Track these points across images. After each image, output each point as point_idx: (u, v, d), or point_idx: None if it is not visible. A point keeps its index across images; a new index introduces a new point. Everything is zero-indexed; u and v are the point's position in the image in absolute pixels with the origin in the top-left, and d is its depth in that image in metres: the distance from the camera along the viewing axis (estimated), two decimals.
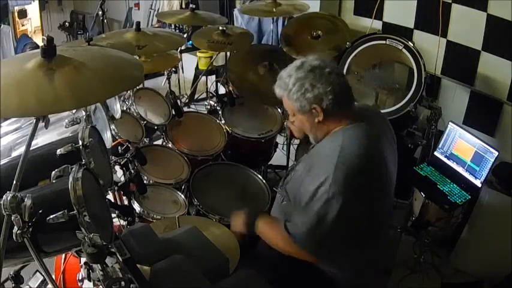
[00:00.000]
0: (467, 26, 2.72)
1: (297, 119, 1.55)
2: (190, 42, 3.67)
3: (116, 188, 1.87)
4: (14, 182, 1.07)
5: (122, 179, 1.94)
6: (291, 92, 1.48)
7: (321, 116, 1.48)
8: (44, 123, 1.13)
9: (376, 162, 1.48)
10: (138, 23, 2.36)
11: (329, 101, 1.44)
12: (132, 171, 1.90)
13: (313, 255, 1.52)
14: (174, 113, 2.60)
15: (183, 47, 3.81)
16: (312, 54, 1.53)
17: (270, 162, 2.94)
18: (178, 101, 2.97)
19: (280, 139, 3.06)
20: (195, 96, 4.31)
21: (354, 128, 1.49)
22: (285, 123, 2.66)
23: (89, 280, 1.20)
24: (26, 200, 1.04)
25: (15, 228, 1.04)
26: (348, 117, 1.51)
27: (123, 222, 1.76)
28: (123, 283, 1.10)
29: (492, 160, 2.17)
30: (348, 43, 2.68)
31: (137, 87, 2.57)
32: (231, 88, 2.77)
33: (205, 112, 2.83)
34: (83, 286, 1.32)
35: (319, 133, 1.55)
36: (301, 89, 1.45)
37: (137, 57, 2.09)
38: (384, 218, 1.62)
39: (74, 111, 1.77)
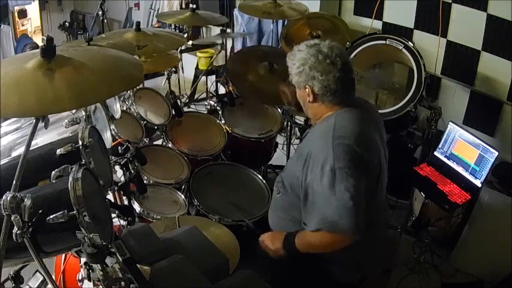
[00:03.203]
0: (467, 26, 2.72)
1: (297, 90, 1.63)
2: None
3: (116, 188, 1.87)
4: (14, 182, 1.07)
5: (122, 179, 1.94)
6: (294, 66, 1.55)
7: (311, 98, 1.54)
8: (44, 123, 1.13)
9: (368, 138, 1.53)
10: (138, 23, 2.36)
11: (319, 89, 1.51)
12: (132, 171, 1.89)
13: (355, 232, 1.44)
14: (174, 113, 2.60)
15: (183, 47, 3.81)
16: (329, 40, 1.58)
17: (270, 162, 2.95)
18: (178, 101, 2.97)
19: (280, 139, 3.06)
20: (195, 96, 4.32)
21: (346, 112, 1.54)
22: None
23: (89, 280, 1.20)
24: (25, 200, 1.04)
25: (15, 228, 1.04)
26: (341, 105, 1.55)
27: (123, 222, 1.76)
28: (123, 283, 1.10)
29: (492, 160, 2.17)
30: (347, 43, 2.67)
31: (137, 87, 2.58)
32: (231, 88, 2.76)
33: (205, 112, 2.84)
34: (83, 286, 1.32)
35: (310, 111, 1.63)
36: (301, 67, 1.52)
37: (137, 57, 2.09)
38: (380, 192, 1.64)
39: (74, 111, 1.77)
